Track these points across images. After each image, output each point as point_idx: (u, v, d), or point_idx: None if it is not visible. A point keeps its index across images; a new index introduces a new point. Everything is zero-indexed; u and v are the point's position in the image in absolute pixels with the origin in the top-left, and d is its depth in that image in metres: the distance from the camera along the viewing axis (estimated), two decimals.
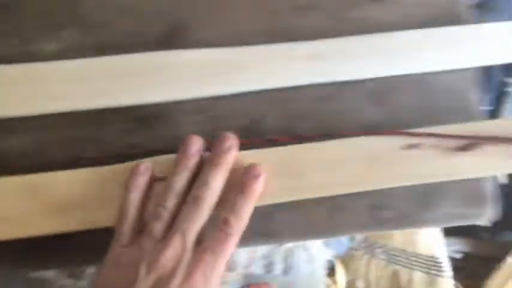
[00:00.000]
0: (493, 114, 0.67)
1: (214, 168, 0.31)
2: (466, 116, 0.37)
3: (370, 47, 0.38)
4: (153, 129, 0.37)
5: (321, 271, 0.75)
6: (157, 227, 0.30)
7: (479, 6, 0.64)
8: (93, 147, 0.37)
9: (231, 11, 0.40)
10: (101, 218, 0.33)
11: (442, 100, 0.38)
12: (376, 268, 0.89)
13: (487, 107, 0.68)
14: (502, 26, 0.41)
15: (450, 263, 0.80)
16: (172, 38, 0.39)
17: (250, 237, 0.36)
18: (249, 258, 0.74)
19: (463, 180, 0.35)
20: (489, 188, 0.37)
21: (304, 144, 0.36)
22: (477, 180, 0.36)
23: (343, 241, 0.82)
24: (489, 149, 0.34)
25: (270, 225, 0.36)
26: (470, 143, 0.34)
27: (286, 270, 0.75)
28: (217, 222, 0.30)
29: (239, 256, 0.67)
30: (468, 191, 0.36)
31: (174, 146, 0.36)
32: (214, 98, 0.38)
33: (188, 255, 0.29)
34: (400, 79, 0.38)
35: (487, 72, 0.65)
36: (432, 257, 0.81)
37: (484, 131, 0.35)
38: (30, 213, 0.34)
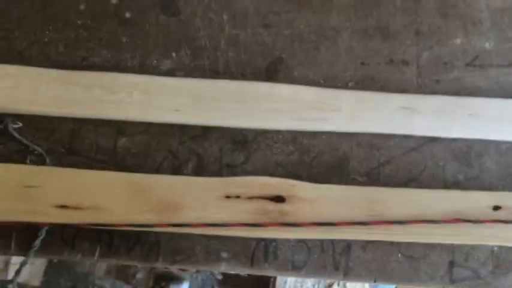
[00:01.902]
0: None
1: None
2: None
3: (462, 109, 0.40)
4: (246, 152, 0.40)
5: None
6: None
7: None
8: (193, 160, 0.40)
9: (328, 54, 0.43)
10: (191, 219, 0.37)
11: None
12: None
13: None
14: None
15: None
16: (271, 71, 0.43)
17: (322, 268, 0.38)
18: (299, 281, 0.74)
19: None
20: None
21: (386, 188, 0.38)
22: None
23: None
24: None
25: (346, 260, 0.38)
26: None
27: None
28: None
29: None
30: None
31: (264, 171, 0.39)
32: (305, 132, 0.40)
33: None
34: (488, 144, 0.39)
35: None
36: None
37: None
38: (130, 206, 0.37)
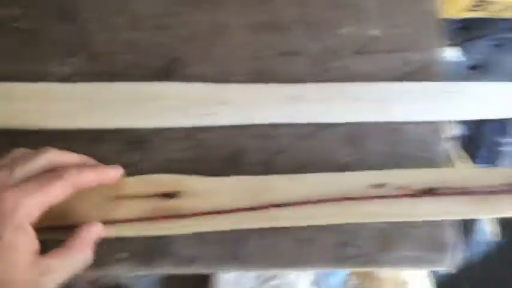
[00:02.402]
0: None
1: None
2: (432, 165, 0.39)
3: (349, 94, 0.41)
4: (142, 152, 0.41)
5: None
6: None
7: (475, 68, 0.67)
8: None
9: (223, 50, 0.44)
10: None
11: (410, 149, 0.41)
12: None
13: (482, 165, 0.70)
14: (481, 86, 0.44)
15: None
16: (168, 71, 0.43)
17: (222, 259, 0.38)
18: None
19: (424, 225, 0.37)
20: (449, 236, 0.38)
21: (277, 175, 0.39)
22: (438, 226, 0.38)
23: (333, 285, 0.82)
24: (447, 195, 0.36)
25: (242, 249, 0.39)
26: (432, 187, 0.37)
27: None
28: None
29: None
30: (428, 236, 0.38)
31: (160, 169, 0.40)
32: (199, 128, 0.41)
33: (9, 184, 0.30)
34: (373, 126, 0.41)
35: (480, 131, 0.67)
36: None
37: (445, 178, 0.37)
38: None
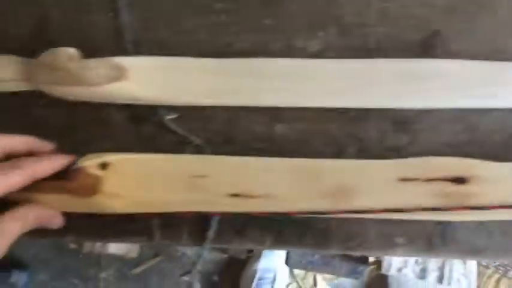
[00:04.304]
0: None
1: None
2: None
3: None
4: (410, 134, 0.39)
5: (474, 286, 0.75)
6: None
7: None
8: (354, 144, 0.39)
9: (487, 25, 0.40)
10: (366, 204, 0.36)
11: None
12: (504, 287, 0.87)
13: None
14: None
15: None
16: (427, 46, 0.41)
17: (504, 252, 0.37)
18: (403, 261, 0.75)
19: None
20: None
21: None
22: None
23: None
24: None
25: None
26: None
27: (440, 279, 0.75)
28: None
29: (393, 258, 0.69)
30: None
31: (430, 152, 0.38)
32: (472, 110, 0.39)
33: None
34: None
35: None
36: None
37: None
38: (301, 193, 0.37)
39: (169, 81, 0.40)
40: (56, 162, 0.36)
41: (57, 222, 0.37)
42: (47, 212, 0.36)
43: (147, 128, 0.41)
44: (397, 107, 0.39)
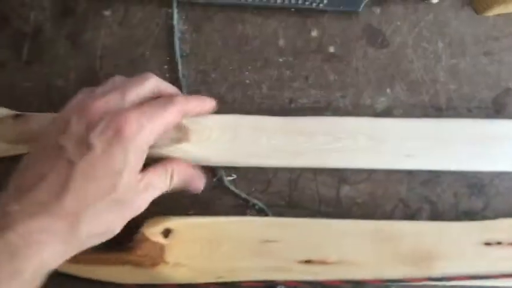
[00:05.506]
0: None
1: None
2: None
3: None
4: (485, 197, 0.38)
5: None
6: (99, 89, 0.31)
7: None
8: (427, 207, 0.38)
9: None
10: (448, 269, 0.35)
11: None
12: None
13: None
14: None
15: None
16: (499, 105, 0.39)
17: None
18: None
19: None
20: None
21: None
22: None
23: None
24: None
25: None
26: None
27: None
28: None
29: None
30: None
31: (505, 216, 0.37)
32: None
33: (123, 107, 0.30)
34: None
35: None
36: None
37: None
38: (380, 258, 0.36)
39: (231, 141, 0.38)
40: (203, 102, 0.35)
41: (199, 184, 0.36)
42: (191, 171, 0.35)
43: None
44: (471, 170, 0.38)
